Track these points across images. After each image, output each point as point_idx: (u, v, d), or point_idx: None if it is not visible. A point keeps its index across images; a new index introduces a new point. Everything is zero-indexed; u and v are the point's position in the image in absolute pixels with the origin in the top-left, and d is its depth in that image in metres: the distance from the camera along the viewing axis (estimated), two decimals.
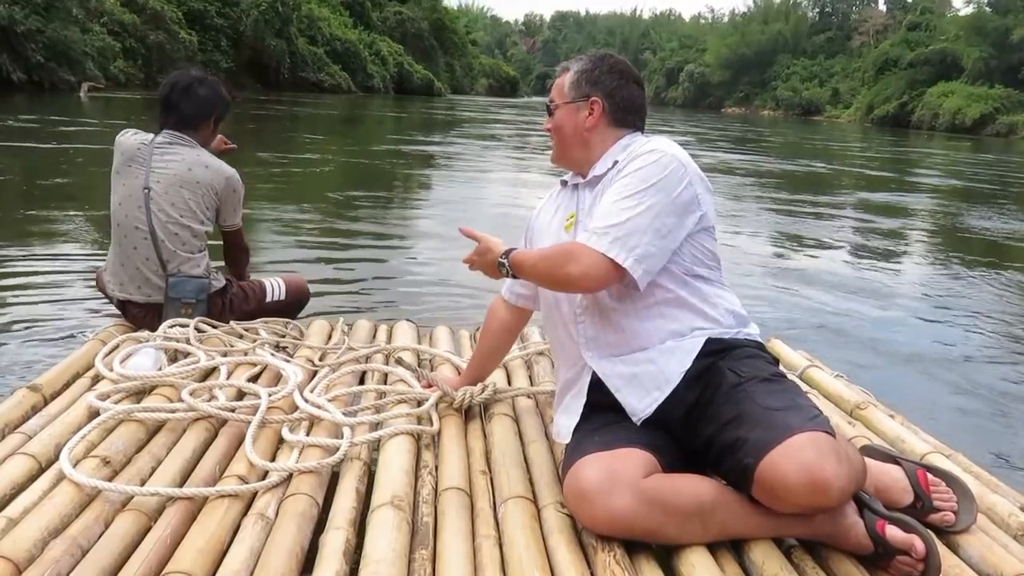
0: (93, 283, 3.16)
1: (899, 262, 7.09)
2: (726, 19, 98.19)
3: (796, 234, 7.90)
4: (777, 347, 2.95)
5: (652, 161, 1.74)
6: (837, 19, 78.77)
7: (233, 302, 2.86)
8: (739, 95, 76.71)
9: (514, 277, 1.88)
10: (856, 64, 67.89)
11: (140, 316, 2.74)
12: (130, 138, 2.77)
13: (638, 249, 1.67)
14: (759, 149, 21.95)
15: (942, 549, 1.56)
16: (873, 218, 9.58)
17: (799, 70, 73.07)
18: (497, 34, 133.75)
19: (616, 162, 1.83)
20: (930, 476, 1.74)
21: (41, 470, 1.73)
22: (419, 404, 2.15)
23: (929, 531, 1.53)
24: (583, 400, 1.81)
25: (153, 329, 2.62)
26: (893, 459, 1.80)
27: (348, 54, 42.40)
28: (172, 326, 2.58)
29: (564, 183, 2.03)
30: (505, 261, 1.85)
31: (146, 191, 2.68)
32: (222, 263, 3.01)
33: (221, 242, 2.97)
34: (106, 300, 3.00)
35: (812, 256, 6.98)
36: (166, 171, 2.69)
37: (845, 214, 10.01)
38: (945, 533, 1.67)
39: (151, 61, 29.05)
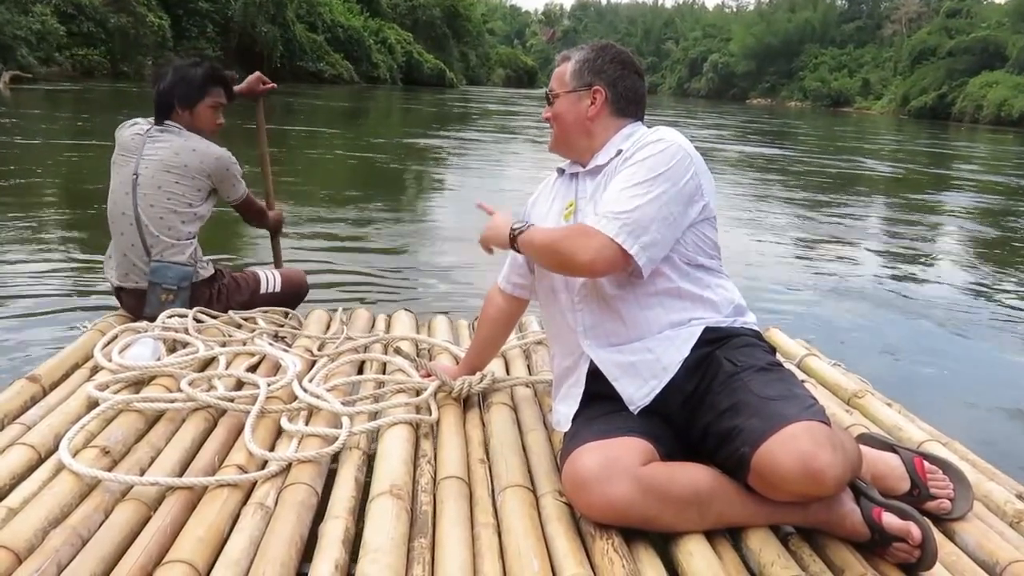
0: (90, 274, 3.24)
1: (920, 260, 7.09)
2: (751, 7, 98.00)
3: (823, 233, 7.90)
4: (775, 336, 3.02)
5: (660, 151, 1.80)
6: (867, 7, 78.17)
7: (224, 293, 2.93)
8: (765, 86, 76.30)
9: (516, 251, 1.93)
10: (888, 53, 67.30)
11: (132, 303, 2.84)
12: (127, 130, 2.89)
13: (644, 237, 1.73)
14: (790, 143, 21.83)
15: (938, 536, 1.61)
16: (903, 216, 9.58)
17: (827, 60, 72.47)
18: (516, 23, 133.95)
19: (620, 151, 1.89)
20: (927, 464, 1.81)
21: (40, 460, 1.78)
22: (418, 393, 2.21)
23: (925, 518, 1.58)
24: (582, 388, 1.88)
25: (141, 315, 2.71)
26: (890, 447, 1.87)
27: (351, 42, 41.60)
28: (171, 316, 2.64)
29: (561, 171, 2.09)
30: (518, 228, 1.91)
31: (134, 177, 2.80)
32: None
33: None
34: (109, 287, 3.09)
35: (835, 254, 7.00)
36: (154, 158, 2.81)
37: (878, 213, 10.00)
38: (941, 520, 1.74)
39: (115, 48, 27.04)
